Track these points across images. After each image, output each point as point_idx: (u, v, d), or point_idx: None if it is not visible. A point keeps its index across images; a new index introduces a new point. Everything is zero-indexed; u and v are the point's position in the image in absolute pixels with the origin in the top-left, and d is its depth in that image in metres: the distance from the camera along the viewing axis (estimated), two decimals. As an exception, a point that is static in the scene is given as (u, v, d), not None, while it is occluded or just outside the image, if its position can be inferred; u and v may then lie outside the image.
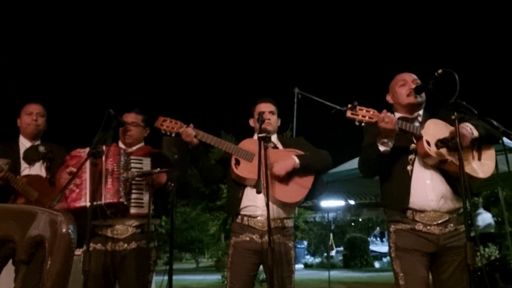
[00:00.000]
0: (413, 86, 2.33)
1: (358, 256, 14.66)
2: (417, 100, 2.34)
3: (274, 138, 2.76)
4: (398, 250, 2.24)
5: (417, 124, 2.32)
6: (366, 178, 2.55)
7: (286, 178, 2.57)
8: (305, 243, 17.20)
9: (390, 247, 2.31)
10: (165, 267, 2.62)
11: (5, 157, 2.68)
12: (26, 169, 2.78)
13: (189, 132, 2.58)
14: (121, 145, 2.75)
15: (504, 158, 5.26)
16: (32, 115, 2.84)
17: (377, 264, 14.63)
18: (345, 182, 7.29)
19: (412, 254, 2.20)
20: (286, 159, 2.57)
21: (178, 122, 2.62)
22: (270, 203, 2.40)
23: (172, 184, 2.56)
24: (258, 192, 2.21)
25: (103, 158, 2.45)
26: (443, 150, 2.13)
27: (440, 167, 2.23)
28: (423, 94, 2.36)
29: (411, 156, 2.29)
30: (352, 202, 15.89)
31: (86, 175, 2.46)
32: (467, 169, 2.14)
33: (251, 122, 2.82)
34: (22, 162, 2.79)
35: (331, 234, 16.36)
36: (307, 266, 15.67)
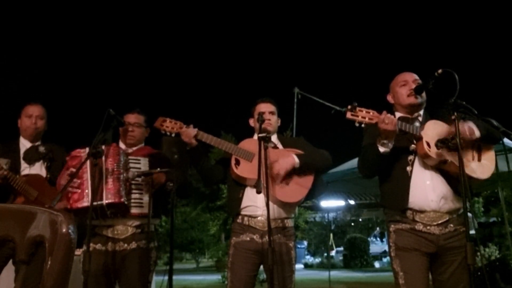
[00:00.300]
0: (414, 86, 2.33)
1: (358, 256, 14.67)
2: (417, 101, 2.34)
3: (274, 138, 2.76)
4: (398, 250, 2.24)
5: (417, 124, 2.32)
6: (366, 178, 2.55)
7: (286, 178, 2.57)
8: (305, 243, 17.21)
9: (390, 247, 2.31)
10: (165, 267, 2.61)
11: (5, 157, 2.69)
12: (26, 169, 2.78)
13: (190, 132, 2.58)
14: (121, 145, 2.75)
15: (504, 158, 5.27)
16: (31, 118, 2.84)
17: (377, 264, 14.63)
18: (345, 182, 7.30)
19: (412, 253, 2.20)
20: (286, 158, 2.57)
21: (178, 122, 2.62)
22: (271, 203, 2.40)
23: (172, 184, 2.56)
24: (258, 192, 2.21)
25: (103, 158, 2.45)
26: (443, 151, 2.12)
27: (440, 167, 2.23)
28: (424, 95, 2.36)
29: (411, 157, 2.29)
30: (352, 202, 15.88)
31: (87, 175, 2.46)
32: (467, 169, 2.14)
33: (251, 122, 2.82)
34: (22, 162, 2.79)
35: (331, 234, 16.37)
36: (307, 266, 15.68)
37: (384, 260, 14.51)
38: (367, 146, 2.36)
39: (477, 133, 2.19)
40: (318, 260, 16.11)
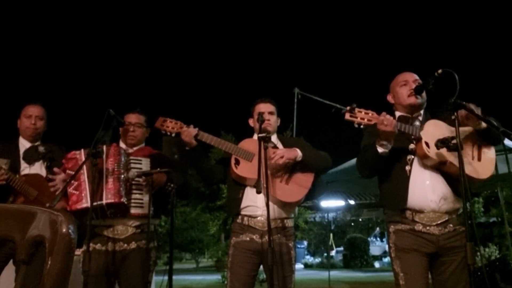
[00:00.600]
0: (414, 86, 2.33)
1: (358, 256, 14.66)
2: (417, 101, 2.33)
3: (274, 138, 2.76)
4: (398, 250, 2.24)
5: (417, 123, 2.32)
6: (364, 178, 2.55)
7: (286, 178, 2.57)
8: (305, 243, 17.19)
9: (390, 247, 2.31)
10: (165, 267, 2.61)
11: (5, 157, 2.68)
12: (26, 169, 2.78)
13: (190, 132, 2.58)
14: (121, 145, 2.76)
15: (504, 158, 5.27)
16: (31, 119, 2.84)
17: (377, 264, 14.63)
18: (345, 182, 7.31)
19: (412, 254, 2.20)
20: (290, 149, 2.56)
21: (178, 122, 2.63)
22: (270, 203, 2.40)
23: (172, 185, 2.56)
24: (258, 192, 2.21)
25: (104, 158, 2.45)
26: (443, 151, 2.12)
27: (439, 168, 2.23)
28: (424, 95, 2.36)
29: (410, 157, 2.29)
30: (352, 202, 15.90)
31: (84, 176, 2.46)
32: (467, 169, 2.13)
33: (251, 122, 2.82)
34: (22, 162, 2.79)
35: (331, 234, 16.36)
36: (307, 266, 15.67)
37: (384, 260, 14.51)
38: (366, 146, 2.36)
39: (483, 124, 2.16)
40: (318, 260, 16.10)
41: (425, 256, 2.20)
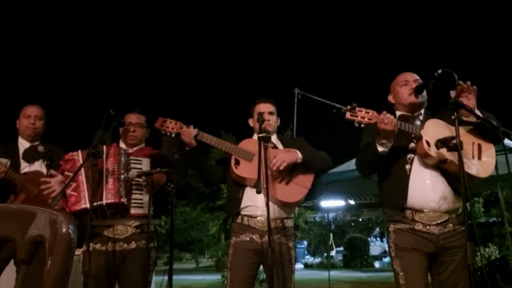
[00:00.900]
0: (415, 86, 2.33)
1: (358, 256, 14.67)
2: (418, 100, 2.34)
3: (274, 138, 2.76)
4: (398, 250, 2.24)
5: (418, 123, 2.32)
6: (364, 177, 2.55)
7: (286, 178, 2.57)
8: (305, 243, 17.19)
9: (389, 247, 2.31)
10: (165, 267, 2.61)
11: (5, 157, 2.69)
12: (26, 168, 2.79)
13: (190, 132, 2.58)
14: (122, 145, 2.75)
15: (504, 158, 5.27)
16: (30, 118, 2.84)
17: (377, 264, 14.63)
18: (345, 182, 7.30)
19: (412, 253, 2.20)
20: (289, 152, 2.57)
21: (178, 123, 2.62)
22: (270, 203, 2.40)
23: (172, 185, 2.56)
24: (258, 192, 2.21)
25: (104, 158, 2.45)
26: (443, 150, 2.12)
27: (440, 167, 2.23)
28: (424, 94, 2.36)
29: (410, 155, 2.29)
30: (352, 202, 15.90)
31: (82, 177, 2.46)
32: (467, 168, 2.14)
33: (251, 122, 2.82)
34: (21, 161, 2.79)
35: (331, 234, 16.36)
36: (307, 266, 15.67)
37: (384, 260, 14.51)
38: (366, 145, 2.36)
39: (479, 113, 2.15)
40: (318, 260, 16.10)
41: (425, 255, 2.20)
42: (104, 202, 2.40)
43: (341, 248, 15.84)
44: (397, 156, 2.30)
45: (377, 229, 17.52)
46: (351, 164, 6.31)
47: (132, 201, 2.53)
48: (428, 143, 2.18)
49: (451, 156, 2.14)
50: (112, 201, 2.41)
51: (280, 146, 2.75)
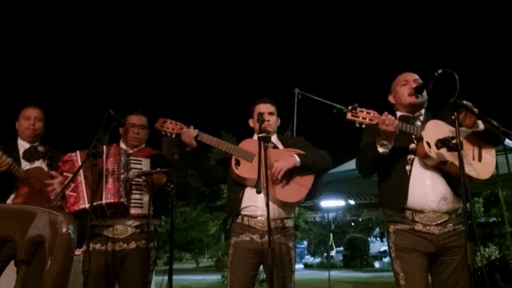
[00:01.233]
0: (415, 86, 2.33)
1: (358, 256, 14.67)
2: (418, 100, 2.34)
3: (274, 138, 2.76)
4: (398, 250, 2.24)
5: (418, 123, 2.32)
6: (364, 177, 2.55)
7: (286, 178, 2.57)
8: (305, 243, 17.20)
9: (390, 248, 2.31)
10: (165, 267, 2.61)
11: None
12: (26, 167, 2.79)
13: (190, 133, 2.58)
14: (122, 145, 2.76)
15: (504, 158, 5.27)
16: (29, 120, 2.85)
17: (377, 264, 14.63)
18: (345, 182, 7.29)
19: (412, 254, 2.19)
20: (287, 157, 2.57)
21: (178, 123, 2.62)
22: (270, 203, 2.40)
23: (172, 185, 2.56)
24: (258, 192, 2.21)
25: (104, 158, 2.45)
26: (443, 151, 2.12)
27: (440, 168, 2.23)
28: (425, 94, 2.36)
29: (410, 156, 2.29)
30: (352, 202, 15.89)
31: (81, 178, 2.46)
32: (467, 169, 2.13)
33: (251, 123, 2.82)
34: (22, 161, 2.80)
35: (331, 234, 16.37)
36: (307, 266, 15.68)
37: (384, 260, 14.51)
38: (366, 145, 2.35)
39: (481, 126, 2.17)
40: (318, 260, 16.11)
41: (425, 256, 2.20)
42: (104, 201, 2.40)
43: (341, 248, 15.85)
44: (397, 157, 2.30)
45: (377, 229, 17.52)
46: (351, 164, 6.30)
47: (132, 201, 2.53)
48: (428, 144, 2.18)
49: (451, 157, 2.14)
50: (112, 201, 2.41)
51: (280, 146, 2.75)
